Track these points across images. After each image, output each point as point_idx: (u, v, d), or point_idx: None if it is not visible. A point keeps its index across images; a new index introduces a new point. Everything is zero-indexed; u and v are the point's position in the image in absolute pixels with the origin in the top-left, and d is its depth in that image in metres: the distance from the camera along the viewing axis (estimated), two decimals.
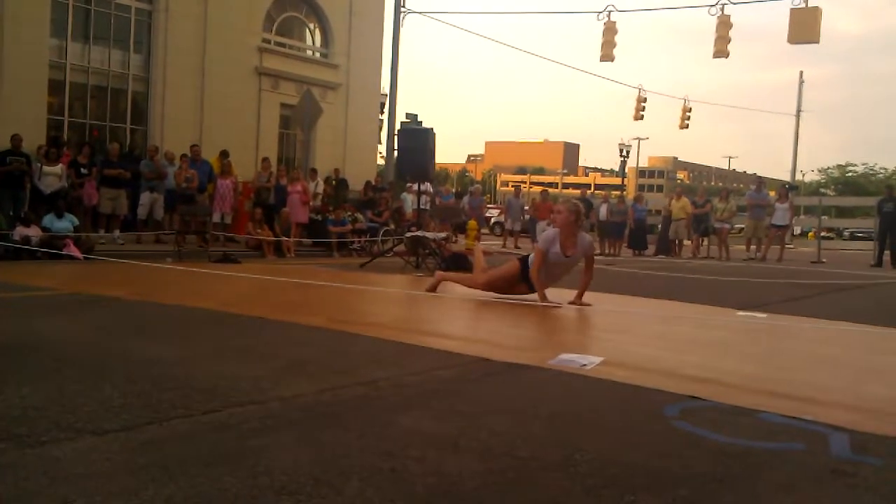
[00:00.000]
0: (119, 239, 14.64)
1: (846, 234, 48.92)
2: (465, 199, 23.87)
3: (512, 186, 36.96)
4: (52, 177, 13.87)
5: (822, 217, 24.65)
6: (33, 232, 12.00)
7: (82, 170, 14.68)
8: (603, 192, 30.84)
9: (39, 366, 4.09)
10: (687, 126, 34.12)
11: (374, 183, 21.05)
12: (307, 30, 24.01)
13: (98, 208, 14.76)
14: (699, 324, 7.02)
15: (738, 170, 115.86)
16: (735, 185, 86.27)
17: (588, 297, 7.86)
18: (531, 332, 6.42)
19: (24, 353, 4.49)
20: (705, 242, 21.31)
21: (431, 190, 20.32)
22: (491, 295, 7.95)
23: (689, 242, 21.47)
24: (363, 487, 2.44)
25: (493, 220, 33.53)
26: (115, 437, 2.85)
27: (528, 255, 7.99)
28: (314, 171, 19.07)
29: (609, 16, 22.67)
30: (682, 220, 20.93)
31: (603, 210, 21.73)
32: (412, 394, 3.78)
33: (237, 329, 5.65)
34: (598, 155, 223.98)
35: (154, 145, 17.27)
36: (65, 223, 12.62)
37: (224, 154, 16.63)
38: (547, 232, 7.95)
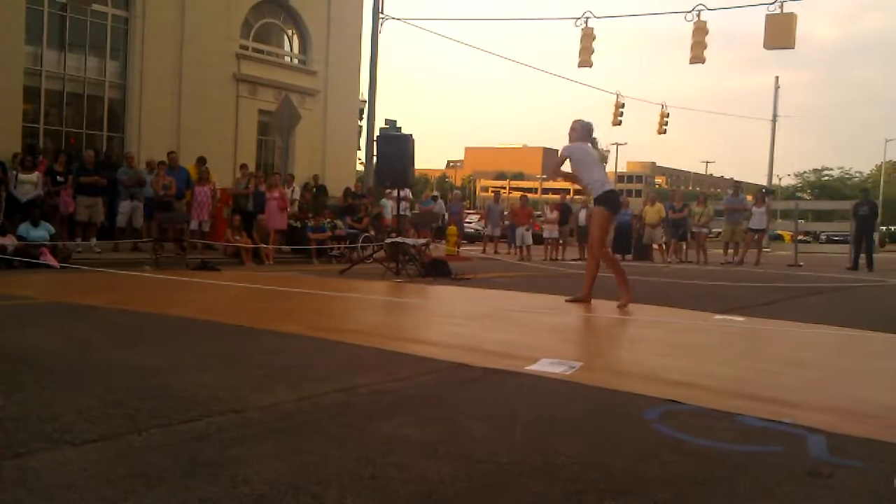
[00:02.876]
0: (96, 247, 14.52)
1: (823, 237, 49.33)
2: (438, 204, 23.84)
3: (492, 192, 36.95)
4: (28, 185, 13.73)
5: (799, 221, 24.85)
6: (9, 241, 11.88)
7: (58, 178, 14.55)
8: (582, 198, 30.93)
9: (16, 376, 4.05)
10: (665, 131, 34.29)
11: (353, 189, 21.01)
12: (285, 36, 23.97)
13: (74, 216, 14.64)
14: (677, 328, 7.06)
15: (715, 174, 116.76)
16: (712, 189, 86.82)
17: (566, 303, 7.90)
18: (510, 337, 6.42)
19: (1, 363, 4.44)
20: (683, 247, 21.43)
21: (411, 196, 20.32)
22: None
23: (661, 246, 21.59)
24: (343, 495, 2.43)
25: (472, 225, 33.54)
26: (94, 448, 2.83)
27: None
28: (291, 177, 19.01)
29: (587, 22, 22.77)
30: (656, 224, 21.10)
31: (582, 215, 21.80)
32: (392, 400, 3.78)
33: (216, 337, 5.62)
34: None
35: (130, 152, 17.16)
36: (41, 232, 12.50)
37: (201, 161, 16.54)
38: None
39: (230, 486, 2.47)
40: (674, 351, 5.76)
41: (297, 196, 18.59)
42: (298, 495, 2.42)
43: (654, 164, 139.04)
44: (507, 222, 23.26)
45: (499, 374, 4.46)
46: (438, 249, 18.41)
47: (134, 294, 8.81)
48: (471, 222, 31.18)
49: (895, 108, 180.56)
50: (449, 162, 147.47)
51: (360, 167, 28.86)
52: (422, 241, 14.67)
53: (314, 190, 19.77)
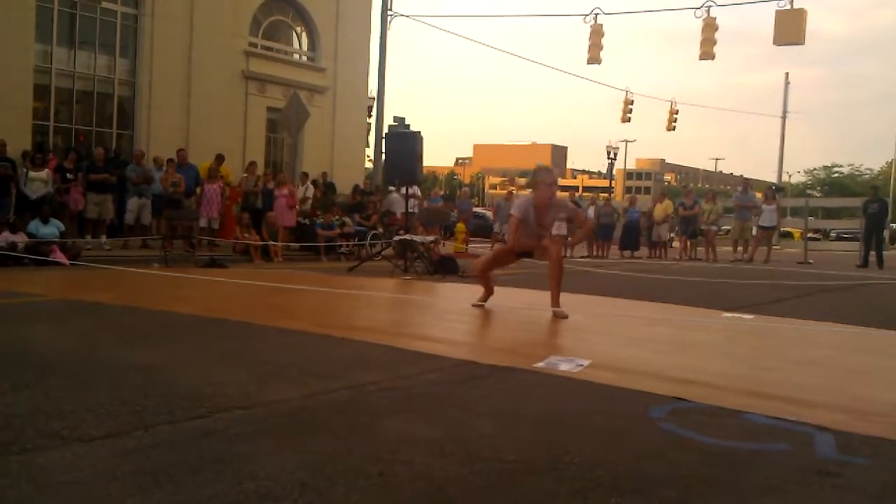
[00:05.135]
0: (105, 244, 14.56)
1: (832, 234, 49.10)
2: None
3: (500, 189, 36.93)
4: (38, 182, 13.78)
5: (809, 218, 24.76)
6: (19, 238, 11.92)
7: (68, 175, 14.59)
8: (590, 195, 30.95)
9: (25, 373, 4.06)
10: (674, 128, 34.19)
11: (362, 186, 20.99)
12: (294, 33, 23.96)
13: (84, 213, 14.68)
14: (686, 325, 7.04)
15: (724, 171, 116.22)
16: (722, 186, 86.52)
17: (576, 299, 7.87)
18: (518, 334, 6.43)
19: (9, 360, 4.46)
20: (689, 244, 21.39)
21: (419, 193, 20.31)
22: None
23: (665, 243, 21.65)
24: (349, 493, 2.44)
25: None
26: (102, 444, 2.84)
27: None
28: (305, 174, 19.02)
29: (596, 19, 22.71)
30: (664, 222, 21.12)
31: (591, 212, 21.80)
32: (399, 398, 3.78)
33: (223, 334, 5.63)
34: (585, 157, 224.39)
35: (140, 150, 17.19)
36: (50, 229, 12.54)
37: (220, 158, 16.52)
38: (520, 199, 7.77)
39: (236, 483, 2.47)
40: (681, 349, 5.75)
41: (310, 194, 18.56)
42: (305, 492, 2.42)
43: (663, 161, 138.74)
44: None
45: (506, 371, 4.46)
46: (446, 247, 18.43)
47: (143, 291, 8.83)
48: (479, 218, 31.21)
49: None
50: (457, 159, 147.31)
51: (368, 164, 28.88)
52: (430, 238, 14.68)
53: (323, 187, 19.78)
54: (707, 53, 21.60)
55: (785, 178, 57.57)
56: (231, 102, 21.11)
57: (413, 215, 15.99)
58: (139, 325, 6.03)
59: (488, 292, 7.71)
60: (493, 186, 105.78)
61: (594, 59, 22.90)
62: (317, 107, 22.47)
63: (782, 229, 29.50)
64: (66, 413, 3.23)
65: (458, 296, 9.03)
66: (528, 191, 7.72)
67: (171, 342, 5.26)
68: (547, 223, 7.40)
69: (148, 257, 13.20)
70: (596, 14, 22.66)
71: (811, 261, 19.67)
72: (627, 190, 76.98)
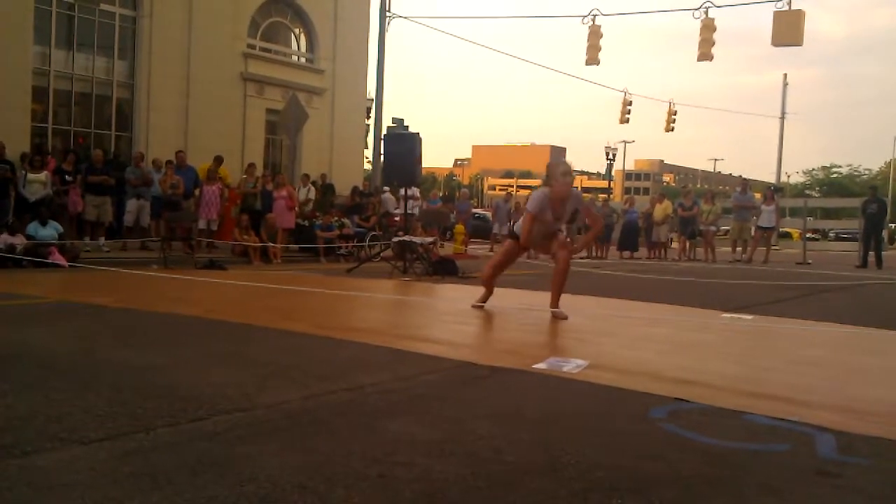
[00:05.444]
0: (104, 246, 14.55)
1: (831, 234, 49.16)
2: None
3: (500, 190, 36.90)
4: (37, 184, 13.77)
5: (808, 218, 24.77)
6: (18, 240, 11.91)
7: (67, 177, 14.58)
8: (589, 195, 30.93)
9: (24, 375, 4.06)
10: (672, 129, 34.20)
11: (361, 188, 20.99)
12: (292, 35, 23.97)
13: (83, 216, 14.67)
14: (685, 326, 7.04)
15: (723, 172, 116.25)
16: (721, 187, 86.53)
17: (576, 300, 7.87)
18: (517, 335, 6.42)
19: (8, 362, 4.46)
20: (688, 245, 21.41)
21: (418, 194, 20.29)
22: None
23: (663, 244, 21.67)
24: (349, 494, 2.43)
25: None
26: (101, 447, 2.84)
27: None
28: (306, 176, 19.01)
29: (594, 20, 22.72)
30: (664, 222, 21.15)
31: None
32: (399, 399, 3.78)
33: (223, 336, 5.63)
34: (584, 158, 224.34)
35: (139, 152, 17.18)
36: (49, 231, 12.53)
37: (219, 160, 16.52)
38: (536, 193, 7.34)
39: (236, 485, 2.47)
40: (681, 349, 5.75)
41: (311, 196, 18.54)
42: (305, 494, 2.42)
43: (661, 161, 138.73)
44: (513, 221, 23.26)
45: (505, 372, 4.46)
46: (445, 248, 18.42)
47: (141, 293, 8.83)
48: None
49: None
50: (456, 160, 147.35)
51: (367, 166, 28.90)
52: (429, 239, 14.68)
53: (322, 189, 19.79)
54: (705, 54, 21.62)
55: (784, 178, 57.69)
56: (230, 104, 21.13)
57: (412, 217, 15.99)
58: (139, 327, 6.02)
59: (488, 293, 7.71)
60: (492, 187, 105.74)
61: (592, 60, 22.91)
62: (315, 108, 22.50)
63: (781, 230, 29.50)
64: (66, 415, 3.23)
65: (457, 297, 9.03)
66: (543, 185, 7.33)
67: (171, 344, 5.26)
68: (564, 215, 7.27)
69: (147, 259, 13.20)
70: (594, 15, 22.68)
71: (810, 261, 19.69)
72: (626, 191, 76.86)
